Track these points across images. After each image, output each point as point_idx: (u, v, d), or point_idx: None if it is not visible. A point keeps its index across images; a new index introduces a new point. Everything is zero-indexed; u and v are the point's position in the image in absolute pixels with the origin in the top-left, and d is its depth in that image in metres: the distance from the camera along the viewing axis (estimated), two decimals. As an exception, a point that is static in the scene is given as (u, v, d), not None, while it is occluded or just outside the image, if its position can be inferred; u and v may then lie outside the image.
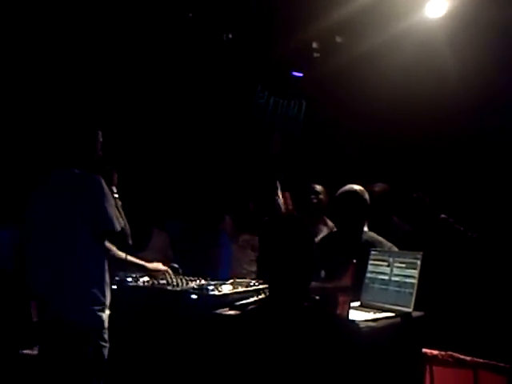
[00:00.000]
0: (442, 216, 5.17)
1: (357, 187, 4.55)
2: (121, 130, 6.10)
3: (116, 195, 3.98)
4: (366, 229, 4.48)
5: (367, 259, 4.00)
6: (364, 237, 4.43)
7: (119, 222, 3.78)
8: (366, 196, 4.53)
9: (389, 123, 6.86)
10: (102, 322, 3.74)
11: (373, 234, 4.44)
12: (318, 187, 5.95)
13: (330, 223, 5.69)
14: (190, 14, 6.73)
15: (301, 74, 7.77)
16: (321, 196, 5.88)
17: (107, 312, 3.79)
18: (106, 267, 3.82)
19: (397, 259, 3.87)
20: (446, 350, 4.13)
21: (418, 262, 3.75)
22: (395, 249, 4.24)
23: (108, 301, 3.80)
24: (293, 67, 7.76)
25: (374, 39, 6.65)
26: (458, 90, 6.29)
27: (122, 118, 6.49)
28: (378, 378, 3.23)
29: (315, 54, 7.54)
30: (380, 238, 4.38)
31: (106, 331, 3.79)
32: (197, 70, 7.20)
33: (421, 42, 6.49)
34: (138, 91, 6.84)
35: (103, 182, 3.74)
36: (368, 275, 3.99)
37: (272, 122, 7.77)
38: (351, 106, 7.23)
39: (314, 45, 7.51)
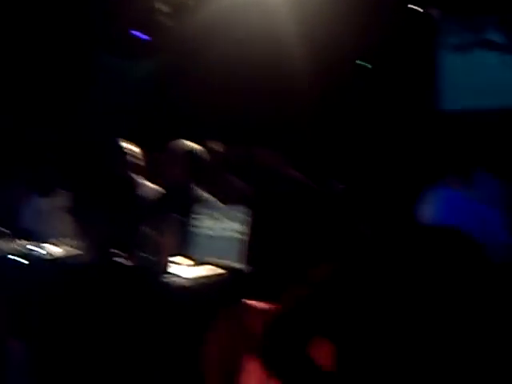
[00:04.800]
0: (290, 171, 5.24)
1: (188, 143, 4.55)
2: None
3: None
4: (195, 186, 4.48)
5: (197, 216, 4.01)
6: (194, 194, 4.42)
7: None
8: (198, 152, 4.53)
9: (234, 88, 6.92)
10: None
11: (202, 192, 4.45)
12: None
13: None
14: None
15: (147, 37, 7.66)
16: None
17: None
18: None
19: (224, 214, 3.91)
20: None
21: (245, 216, 3.80)
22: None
23: None
24: (139, 29, 7.64)
25: (220, 3, 6.67)
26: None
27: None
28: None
29: (162, 17, 7.45)
30: (209, 196, 4.39)
31: None
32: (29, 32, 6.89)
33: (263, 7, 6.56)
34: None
35: None
36: (195, 230, 3.99)
37: (119, 84, 7.63)
38: (197, 69, 7.23)
39: (161, 7, 7.43)
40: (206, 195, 4.42)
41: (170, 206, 4.21)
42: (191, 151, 4.52)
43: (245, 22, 6.52)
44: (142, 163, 5.88)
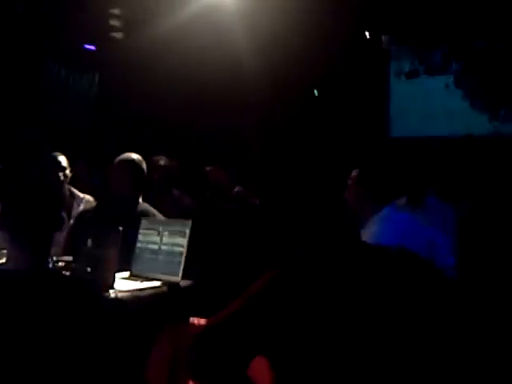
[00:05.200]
0: (237, 189, 5.20)
1: (134, 156, 4.43)
2: None
3: None
4: (140, 200, 4.37)
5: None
6: (139, 208, 4.31)
7: None
8: (144, 166, 4.42)
9: (181, 103, 6.85)
10: None
11: (147, 206, 4.34)
12: None
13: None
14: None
15: (93, 48, 7.55)
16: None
17: None
18: None
19: (166, 228, 3.81)
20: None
21: (187, 231, 3.71)
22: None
23: None
24: (87, 40, 7.52)
25: (171, 18, 6.60)
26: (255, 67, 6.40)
27: None
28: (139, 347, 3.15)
29: (113, 31, 7.37)
30: (154, 210, 4.29)
31: None
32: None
33: (215, 22, 6.52)
34: None
35: None
36: (138, 245, 3.89)
37: (63, 95, 7.48)
38: (143, 84, 7.14)
39: (112, 21, 7.34)
40: (150, 209, 4.31)
41: (113, 219, 4.08)
42: (137, 164, 4.40)
43: (196, 38, 6.47)
44: (80, 175, 5.78)
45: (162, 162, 5.27)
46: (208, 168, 5.54)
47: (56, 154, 5.22)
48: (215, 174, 5.52)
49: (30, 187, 2.47)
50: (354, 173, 3.90)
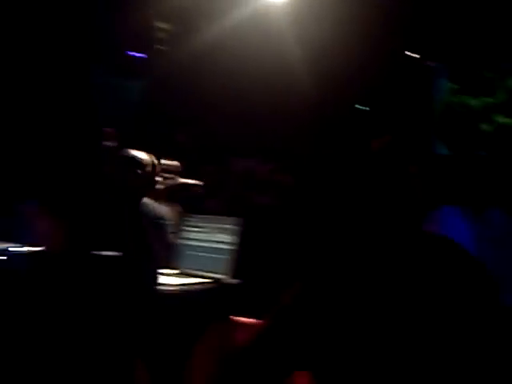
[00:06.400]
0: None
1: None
2: None
3: None
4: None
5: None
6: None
7: None
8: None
9: (231, 112, 6.84)
10: None
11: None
12: None
13: None
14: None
15: (142, 55, 7.60)
16: None
17: None
18: None
19: (214, 225, 3.76)
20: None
21: (236, 228, 3.66)
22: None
23: None
24: (134, 48, 7.58)
25: (216, 24, 6.61)
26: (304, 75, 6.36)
27: None
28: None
29: (159, 36, 7.42)
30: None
31: None
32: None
33: (265, 27, 6.50)
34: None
35: None
36: (185, 242, 3.85)
37: (108, 102, 7.52)
38: (192, 93, 7.15)
39: (159, 26, 7.39)
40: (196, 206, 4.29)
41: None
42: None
43: (245, 47, 6.46)
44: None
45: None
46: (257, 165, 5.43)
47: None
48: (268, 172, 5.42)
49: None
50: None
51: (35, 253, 2.42)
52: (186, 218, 3.95)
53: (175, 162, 4.96)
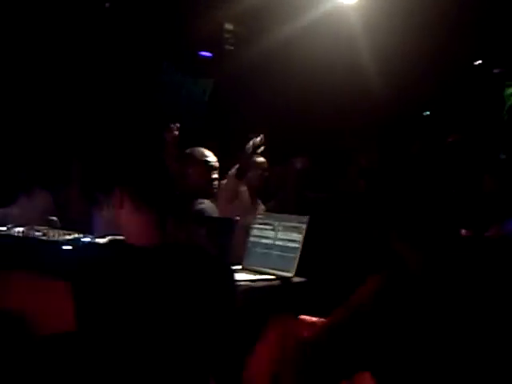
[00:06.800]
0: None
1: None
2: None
3: None
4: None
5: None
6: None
7: None
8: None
9: (298, 111, 6.85)
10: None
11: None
12: None
13: None
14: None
15: (210, 54, 7.68)
16: None
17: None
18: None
19: (282, 223, 3.78)
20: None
21: (304, 226, 3.66)
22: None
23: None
24: (203, 47, 7.66)
25: (287, 26, 6.63)
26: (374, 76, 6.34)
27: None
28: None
29: (227, 36, 7.46)
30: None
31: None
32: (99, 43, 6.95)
33: (335, 29, 6.49)
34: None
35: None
36: (252, 239, 3.88)
37: (176, 100, 7.61)
38: (260, 92, 7.19)
39: (227, 27, 7.44)
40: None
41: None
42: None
43: (315, 47, 6.47)
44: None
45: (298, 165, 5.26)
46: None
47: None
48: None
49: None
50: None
51: (119, 244, 2.42)
52: (257, 216, 3.99)
53: (262, 159, 5.02)
